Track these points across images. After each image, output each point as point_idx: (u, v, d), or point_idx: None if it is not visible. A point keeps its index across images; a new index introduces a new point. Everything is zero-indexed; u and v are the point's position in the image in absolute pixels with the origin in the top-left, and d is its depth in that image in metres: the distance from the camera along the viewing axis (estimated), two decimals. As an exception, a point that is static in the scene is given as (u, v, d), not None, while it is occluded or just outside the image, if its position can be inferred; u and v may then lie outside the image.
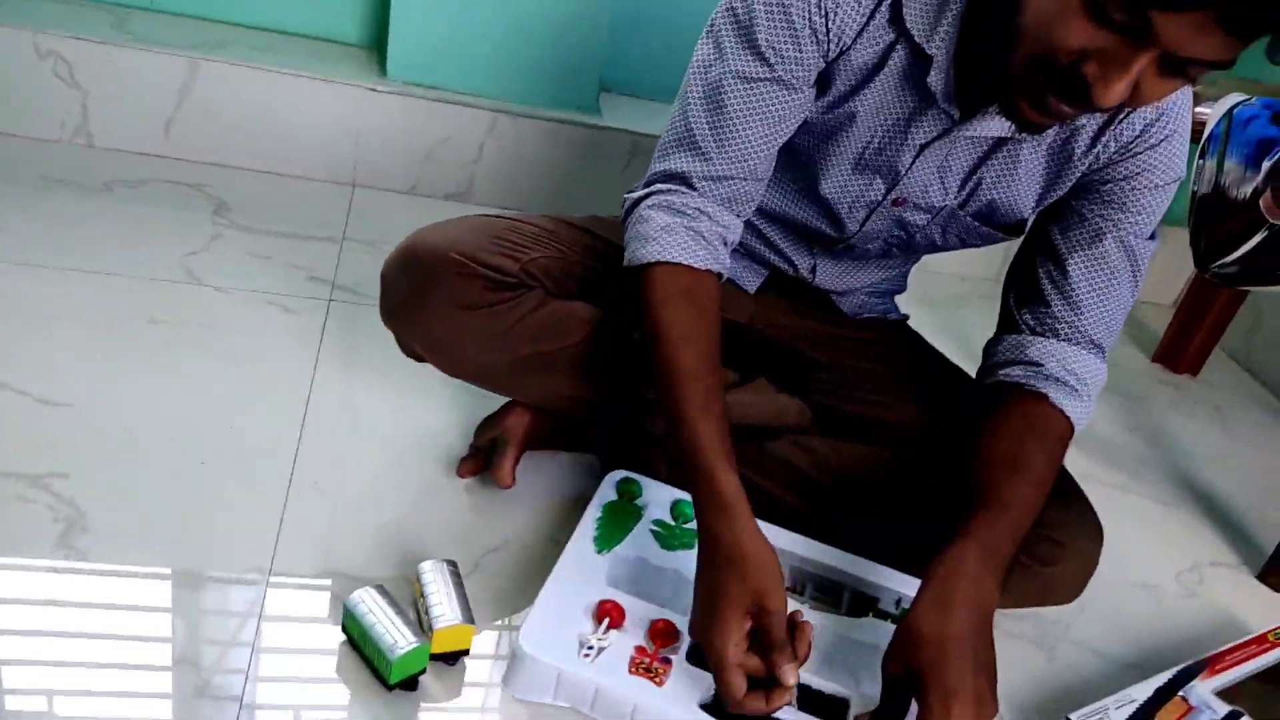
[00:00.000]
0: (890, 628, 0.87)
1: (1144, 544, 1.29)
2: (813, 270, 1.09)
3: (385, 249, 0.99)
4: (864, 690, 0.87)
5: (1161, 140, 0.90)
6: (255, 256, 1.36)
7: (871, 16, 0.85)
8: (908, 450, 1.05)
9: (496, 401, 1.08)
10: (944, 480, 0.96)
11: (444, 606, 0.85)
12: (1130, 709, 0.93)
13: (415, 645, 0.81)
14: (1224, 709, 0.95)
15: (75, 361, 1.09)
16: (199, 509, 0.95)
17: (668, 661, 0.85)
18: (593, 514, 0.98)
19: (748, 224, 1.06)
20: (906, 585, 0.97)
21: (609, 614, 0.87)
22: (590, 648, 0.84)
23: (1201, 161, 1.20)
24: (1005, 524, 0.85)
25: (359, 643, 0.84)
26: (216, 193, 1.49)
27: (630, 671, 0.83)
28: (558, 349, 1.00)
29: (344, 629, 0.85)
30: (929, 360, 1.16)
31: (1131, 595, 1.19)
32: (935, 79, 0.86)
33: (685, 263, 0.89)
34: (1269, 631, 1.08)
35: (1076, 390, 0.94)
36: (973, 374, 1.05)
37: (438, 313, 0.96)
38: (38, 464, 0.94)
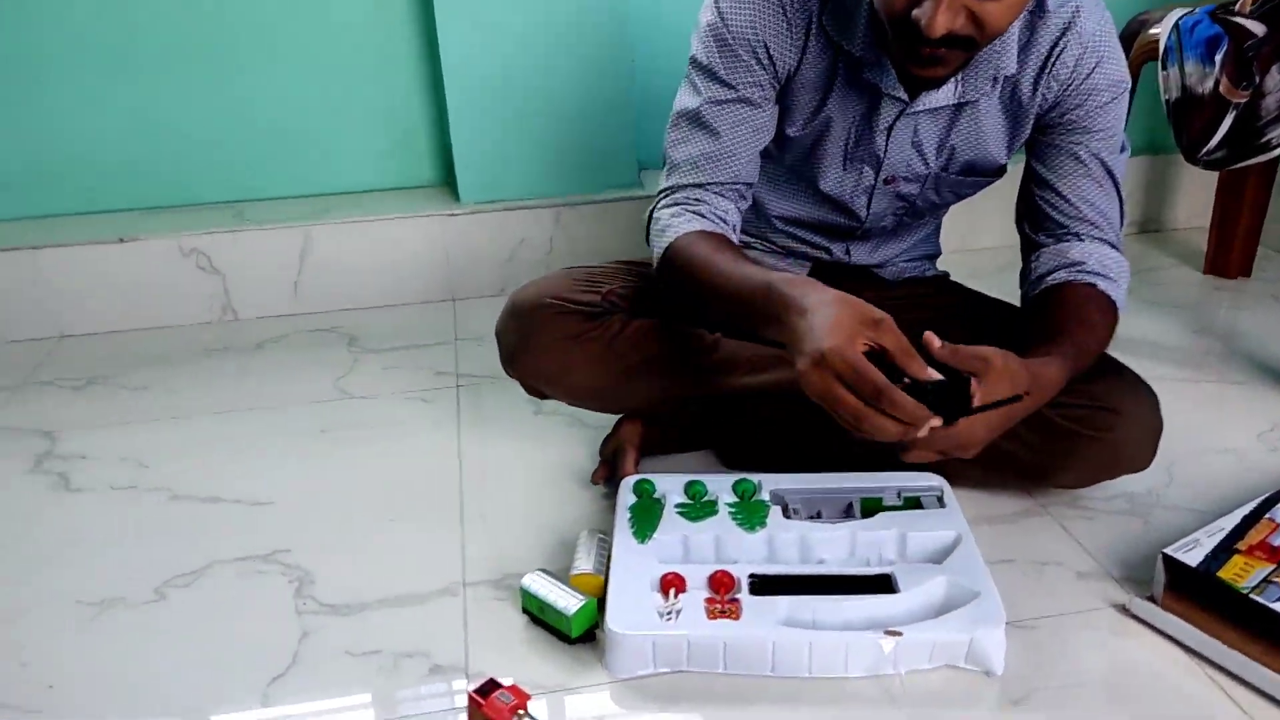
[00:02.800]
0: (900, 514, 1.05)
1: (1222, 417, 1.38)
2: (847, 252, 1.27)
3: (490, 342, 1.21)
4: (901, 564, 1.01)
5: (1094, 67, 1.06)
6: (389, 368, 1.61)
7: (807, 39, 1.06)
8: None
9: (609, 428, 1.27)
10: None
11: (582, 560, 1.03)
12: (1220, 535, 1.03)
13: (584, 602, 0.98)
14: (1309, 520, 1.04)
15: (271, 471, 1.32)
16: (397, 551, 1.15)
17: (735, 601, 0.95)
18: (623, 516, 1.08)
19: (784, 230, 1.26)
20: (899, 480, 1.11)
21: (672, 584, 0.97)
22: (669, 613, 0.95)
23: (1165, 72, 1.36)
24: (1074, 358, 1.00)
25: (540, 614, 1.01)
26: (347, 330, 1.76)
27: (709, 618, 0.94)
28: (644, 358, 1.18)
29: (524, 609, 1.03)
30: (973, 299, 1.31)
31: (1217, 460, 1.27)
32: (871, 73, 1.05)
33: (694, 229, 1.07)
34: (1347, 456, 1.16)
35: (1115, 280, 1.09)
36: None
37: (546, 349, 1.17)
38: (263, 546, 1.17)
